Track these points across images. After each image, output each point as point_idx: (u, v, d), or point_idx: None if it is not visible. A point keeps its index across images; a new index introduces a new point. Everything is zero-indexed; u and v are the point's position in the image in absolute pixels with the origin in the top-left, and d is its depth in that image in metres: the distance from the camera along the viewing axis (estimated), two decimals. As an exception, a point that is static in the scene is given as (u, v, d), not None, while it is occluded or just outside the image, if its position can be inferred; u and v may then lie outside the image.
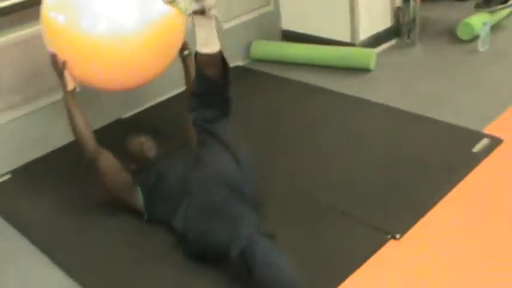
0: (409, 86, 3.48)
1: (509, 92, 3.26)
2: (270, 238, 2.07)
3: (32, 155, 3.13)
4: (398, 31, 4.05)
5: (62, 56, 2.41)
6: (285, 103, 3.46)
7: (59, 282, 2.31)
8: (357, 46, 3.82)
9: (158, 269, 2.28)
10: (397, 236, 2.28)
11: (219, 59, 2.25)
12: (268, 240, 2.06)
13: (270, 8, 4.14)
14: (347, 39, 3.85)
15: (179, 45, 2.56)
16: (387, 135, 3.01)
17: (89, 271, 2.33)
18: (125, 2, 2.37)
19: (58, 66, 2.42)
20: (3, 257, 2.49)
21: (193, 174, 2.34)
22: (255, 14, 4.05)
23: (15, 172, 3.04)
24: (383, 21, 3.99)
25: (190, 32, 2.47)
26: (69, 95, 2.48)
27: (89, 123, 2.51)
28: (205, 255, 2.22)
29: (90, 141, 2.49)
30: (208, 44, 2.21)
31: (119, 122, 3.42)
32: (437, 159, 2.72)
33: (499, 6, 3.96)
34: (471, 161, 2.66)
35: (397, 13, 4.00)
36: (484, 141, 2.78)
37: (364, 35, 3.86)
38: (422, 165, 2.69)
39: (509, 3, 3.97)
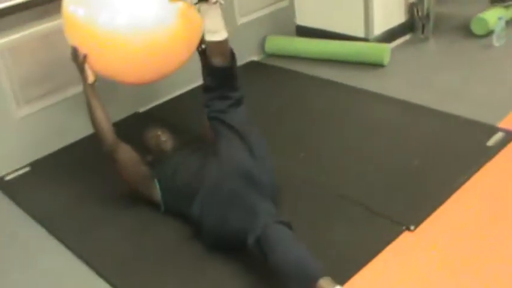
0: (423, 80, 3.49)
1: (524, 86, 3.28)
2: (287, 226, 2.09)
3: (51, 148, 3.17)
4: (412, 26, 4.06)
5: (82, 50, 2.44)
6: (299, 97, 3.49)
7: (78, 271, 2.34)
8: (371, 41, 3.84)
9: (175, 258, 2.32)
10: (412, 227, 2.30)
11: (227, 47, 2.28)
12: (285, 228, 2.07)
13: (284, 3, 4.16)
14: (361, 35, 3.86)
15: (197, 39, 2.58)
16: (402, 128, 3.03)
17: (107, 261, 2.36)
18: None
19: (79, 60, 2.45)
20: (23, 248, 2.53)
21: (209, 166, 2.37)
22: (270, 9, 4.08)
23: (34, 165, 3.09)
24: (397, 17, 4.01)
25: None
26: (90, 87, 2.51)
27: (108, 116, 2.54)
28: (221, 243, 2.25)
29: (109, 134, 2.52)
30: (215, 31, 2.25)
31: (136, 116, 3.45)
32: (452, 152, 2.74)
33: (515, 1, 3.96)
34: (485, 155, 2.68)
35: (411, 8, 4.01)
36: (499, 135, 2.79)
37: (378, 30, 3.87)
38: (437, 158, 2.71)
39: (525, -2, 3.97)
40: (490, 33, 3.83)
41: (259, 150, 2.37)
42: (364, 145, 2.91)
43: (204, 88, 2.45)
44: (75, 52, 2.46)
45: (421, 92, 3.32)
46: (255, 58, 4.05)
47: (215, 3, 2.23)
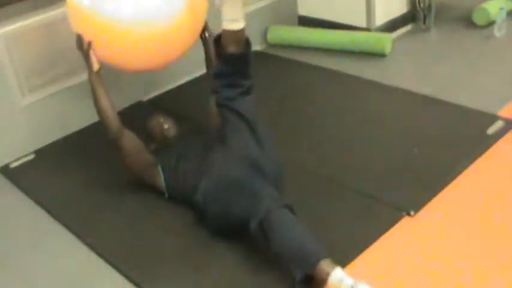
0: (424, 70, 3.52)
1: (525, 76, 3.30)
2: (290, 210, 2.11)
3: (55, 136, 3.20)
4: (414, 17, 4.08)
5: (86, 37, 2.46)
6: (301, 87, 3.51)
7: (83, 256, 2.38)
8: (373, 31, 3.85)
9: (178, 243, 2.36)
10: (412, 213, 2.33)
11: (243, 35, 2.29)
12: (288, 212, 2.09)
13: (287, -7, 4.18)
14: (363, 25, 3.88)
15: (201, 26, 2.60)
16: (403, 117, 3.06)
17: (112, 246, 2.39)
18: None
19: (83, 47, 2.47)
20: (29, 233, 2.57)
21: (215, 153, 2.40)
22: (272, -1, 4.10)
23: (39, 152, 3.11)
24: (399, 7, 4.02)
25: (211, 14, 2.53)
26: (95, 75, 2.53)
27: (113, 103, 2.56)
28: (225, 228, 2.28)
29: (114, 121, 2.54)
30: (234, 20, 2.25)
31: (139, 105, 3.48)
32: (452, 140, 2.77)
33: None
34: (485, 143, 2.71)
35: (413, -1, 4.03)
36: (499, 124, 2.82)
37: (380, 20, 3.88)
38: (437, 145, 2.74)
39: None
40: (491, 23, 3.85)
41: (266, 141, 2.39)
42: (365, 133, 2.94)
43: (215, 74, 2.43)
44: (79, 40, 2.48)
45: (422, 82, 3.34)
46: (257, 48, 4.06)
47: None
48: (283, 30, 4.09)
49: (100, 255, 2.35)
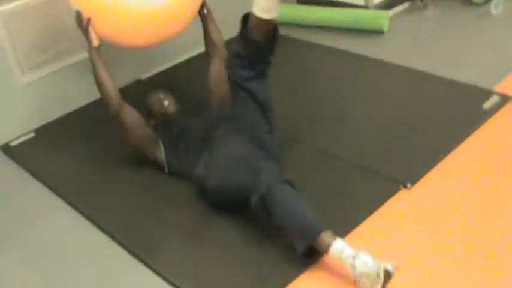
0: (421, 47, 3.53)
1: (520, 52, 3.32)
2: (291, 185, 2.13)
3: (55, 114, 3.22)
4: (411, -6, 4.09)
5: (85, 14, 2.48)
6: (300, 64, 3.52)
7: (85, 231, 2.41)
8: (371, 9, 3.86)
9: (179, 215, 2.39)
10: (408, 185, 2.37)
11: (272, 25, 2.30)
12: (289, 187, 2.12)
13: (284, -28, 4.17)
14: (361, 2, 3.89)
15: (199, 2, 2.61)
16: (400, 93, 3.09)
17: (113, 220, 2.43)
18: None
19: (83, 24, 2.49)
20: (31, 211, 2.59)
21: (217, 129, 2.42)
22: (270, -23, 4.09)
23: (39, 130, 3.14)
24: (396, -15, 4.03)
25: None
26: (95, 51, 2.55)
27: (113, 79, 2.58)
28: (225, 202, 2.30)
29: (114, 97, 2.57)
30: (269, 10, 2.24)
31: (138, 83, 3.49)
32: (449, 115, 2.80)
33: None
34: (481, 117, 2.74)
35: (410, -24, 4.04)
36: (494, 99, 2.85)
37: (377, -2, 3.90)
38: (434, 120, 2.78)
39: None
40: (488, 1, 3.85)
41: (276, 125, 2.42)
42: (363, 109, 2.97)
43: (234, 52, 2.44)
44: (79, 16, 2.50)
45: (419, 58, 3.36)
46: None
47: None
48: (281, 8, 4.06)
49: (102, 229, 2.38)
